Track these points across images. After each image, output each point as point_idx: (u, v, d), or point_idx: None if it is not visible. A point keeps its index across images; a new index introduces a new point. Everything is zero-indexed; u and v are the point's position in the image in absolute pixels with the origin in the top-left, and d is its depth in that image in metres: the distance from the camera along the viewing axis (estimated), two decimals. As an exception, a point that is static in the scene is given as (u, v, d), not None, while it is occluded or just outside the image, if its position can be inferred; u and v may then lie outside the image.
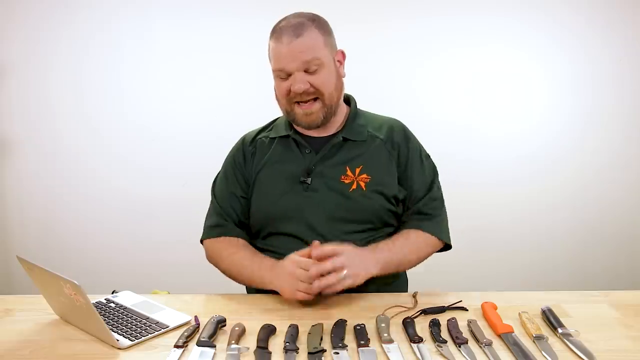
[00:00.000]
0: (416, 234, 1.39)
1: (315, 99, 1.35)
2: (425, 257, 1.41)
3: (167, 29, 2.55)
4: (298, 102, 1.36)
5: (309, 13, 1.37)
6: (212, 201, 1.51)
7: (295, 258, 1.24)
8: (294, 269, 1.22)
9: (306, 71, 1.32)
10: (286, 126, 1.46)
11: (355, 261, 1.23)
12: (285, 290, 1.24)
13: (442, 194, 1.48)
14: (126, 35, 2.55)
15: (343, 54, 1.42)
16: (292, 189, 1.39)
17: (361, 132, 1.43)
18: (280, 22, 1.36)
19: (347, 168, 1.39)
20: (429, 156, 1.50)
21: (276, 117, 1.54)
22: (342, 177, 1.38)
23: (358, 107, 1.50)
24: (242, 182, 1.46)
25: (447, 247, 1.45)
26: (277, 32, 1.33)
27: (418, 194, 1.43)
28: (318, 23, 1.35)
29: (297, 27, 1.31)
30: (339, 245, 1.25)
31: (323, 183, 1.38)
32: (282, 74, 1.33)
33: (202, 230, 1.50)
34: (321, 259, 1.21)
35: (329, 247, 1.23)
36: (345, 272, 1.19)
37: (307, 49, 1.31)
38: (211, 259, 1.46)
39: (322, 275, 1.20)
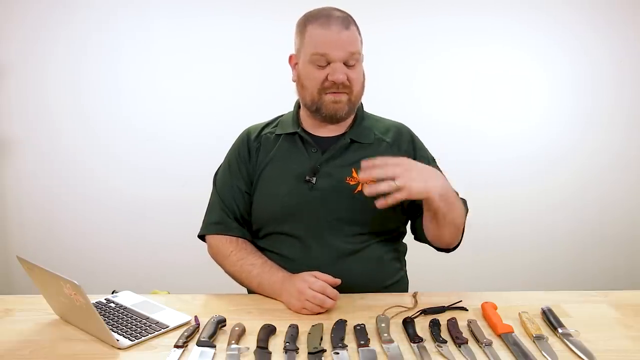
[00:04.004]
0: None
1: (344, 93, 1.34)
2: (461, 224, 1.37)
3: (165, 29, 2.55)
4: (328, 92, 1.34)
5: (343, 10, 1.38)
6: (213, 194, 1.49)
7: (309, 279, 1.24)
8: (305, 289, 1.22)
9: (345, 64, 1.32)
10: (293, 123, 1.45)
11: (412, 173, 1.18)
12: (292, 305, 1.25)
13: None
14: (124, 35, 2.55)
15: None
16: (297, 188, 1.38)
17: (368, 135, 1.43)
18: (317, 11, 1.34)
19: (353, 170, 1.38)
20: (435, 160, 1.50)
21: (281, 114, 1.53)
22: (348, 178, 1.37)
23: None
24: (245, 176, 1.45)
25: (451, 248, 1.43)
26: (321, 19, 1.32)
27: None
28: (355, 22, 1.36)
29: (345, 19, 1.32)
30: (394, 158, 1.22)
31: (328, 183, 1.37)
32: (322, 61, 1.31)
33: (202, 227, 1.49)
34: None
35: (380, 160, 1.19)
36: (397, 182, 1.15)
37: (353, 42, 1.32)
38: (216, 256, 1.45)
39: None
